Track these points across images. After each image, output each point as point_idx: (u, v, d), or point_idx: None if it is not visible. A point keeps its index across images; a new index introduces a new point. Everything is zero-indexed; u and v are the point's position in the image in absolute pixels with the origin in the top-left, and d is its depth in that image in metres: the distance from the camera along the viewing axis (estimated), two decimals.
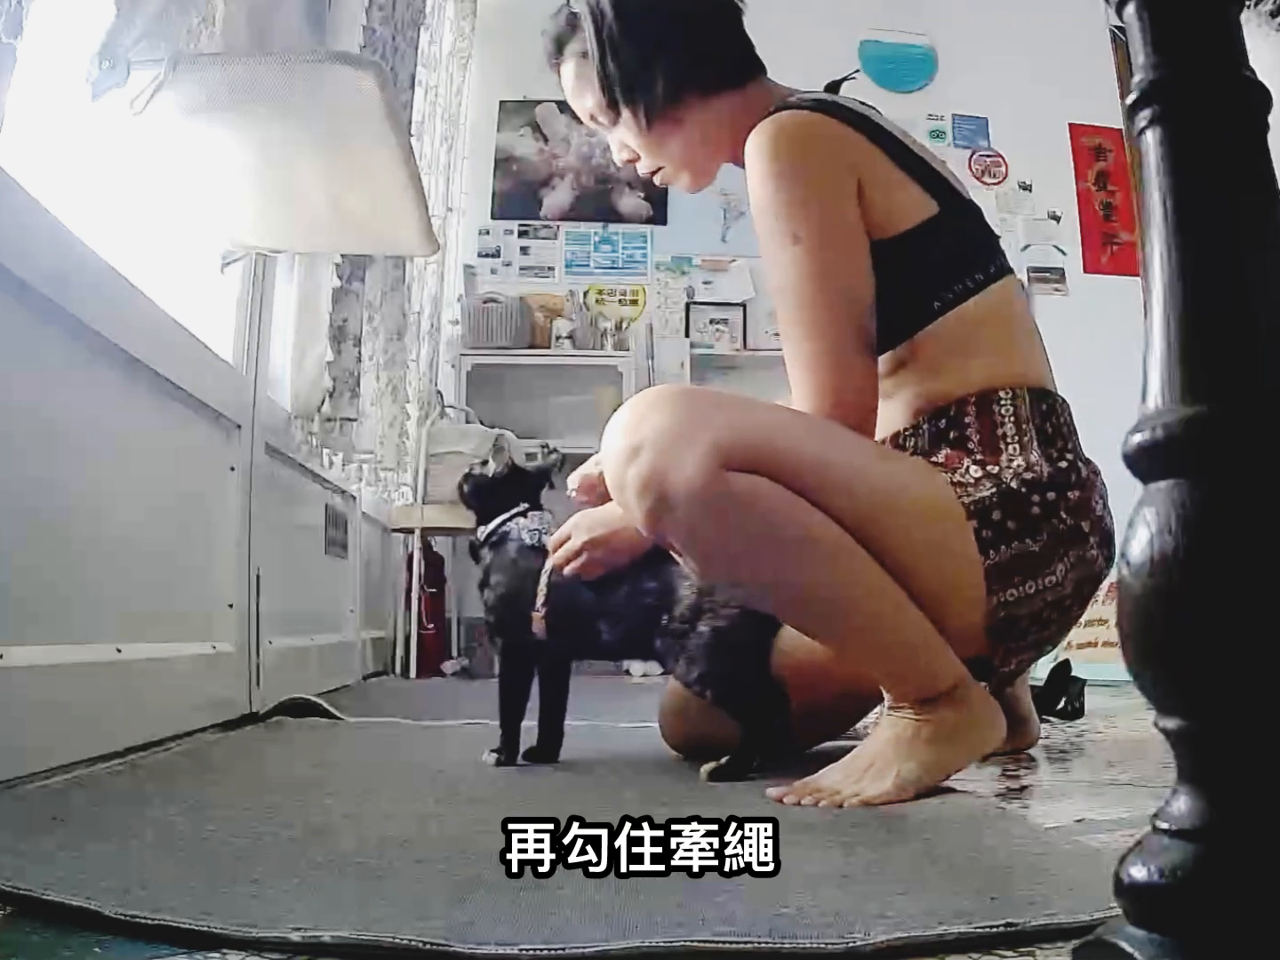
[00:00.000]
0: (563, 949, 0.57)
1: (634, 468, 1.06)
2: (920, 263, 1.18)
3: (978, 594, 1.12)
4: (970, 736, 1.10)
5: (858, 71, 1.48)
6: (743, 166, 1.21)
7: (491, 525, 1.39)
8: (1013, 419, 1.17)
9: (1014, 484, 1.13)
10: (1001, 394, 1.17)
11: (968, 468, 1.14)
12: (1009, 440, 1.16)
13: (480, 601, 1.41)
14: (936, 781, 1.08)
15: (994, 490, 1.12)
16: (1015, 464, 1.14)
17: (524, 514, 1.39)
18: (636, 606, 1.27)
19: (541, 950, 0.57)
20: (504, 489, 1.42)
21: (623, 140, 1.33)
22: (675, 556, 1.17)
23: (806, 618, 1.16)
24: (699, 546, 1.10)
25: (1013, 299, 1.25)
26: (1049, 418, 1.19)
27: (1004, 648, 1.16)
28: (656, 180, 1.36)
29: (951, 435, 1.17)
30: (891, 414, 1.22)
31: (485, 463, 1.46)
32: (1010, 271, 1.25)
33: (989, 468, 1.14)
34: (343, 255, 2.22)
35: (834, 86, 1.31)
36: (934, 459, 1.17)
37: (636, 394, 1.17)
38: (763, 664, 1.25)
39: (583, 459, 1.47)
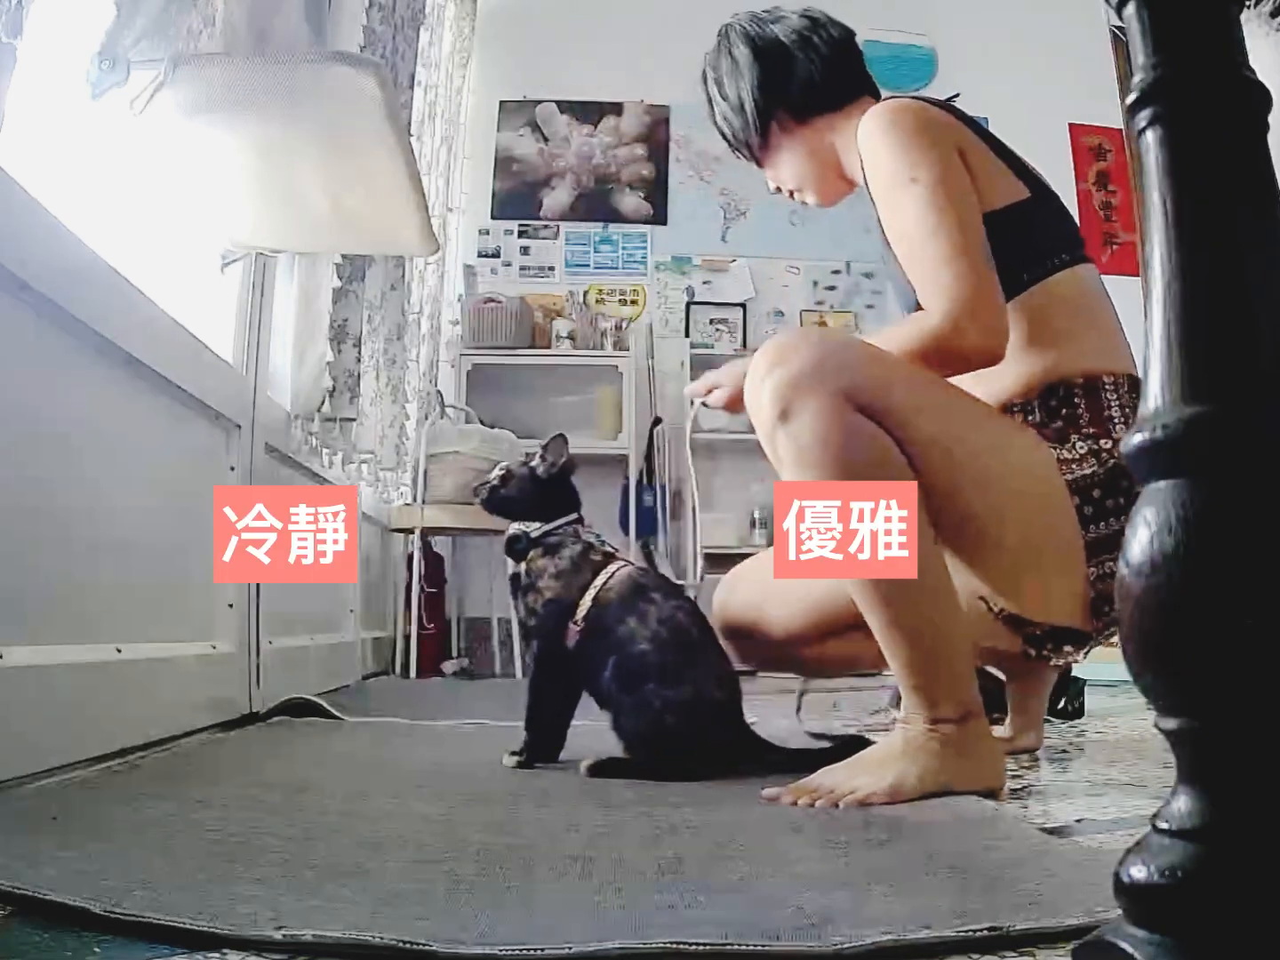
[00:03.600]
0: (543, 950, 0.57)
1: (777, 373, 1.14)
2: (1013, 237, 1.24)
3: (1076, 560, 1.18)
4: (971, 765, 1.12)
5: (957, 95, 1.59)
6: (849, 179, 1.43)
7: (549, 526, 1.38)
8: (1118, 404, 1.24)
9: (1118, 465, 1.17)
10: (1107, 380, 1.24)
11: (1074, 443, 1.21)
12: (1115, 424, 1.22)
13: (512, 598, 1.40)
14: (929, 792, 1.08)
15: (1097, 468, 1.19)
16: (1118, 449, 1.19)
17: (580, 521, 1.39)
18: (638, 665, 1.27)
19: (521, 951, 0.57)
20: (550, 489, 1.41)
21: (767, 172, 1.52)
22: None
23: (862, 586, 1.15)
24: (801, 461, 1.14)
25: (1098, 283, 1.34)
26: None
27: (1102, 621, 1.21)
28: (796, 199, 1.53)
29: (1064, 412, 1.24)
30: (997, 382, 1.27)
31: (532, 458, 1.44)
32: (1091, 261, 1.34)
33: (1095, 444, 1.20)
34: (343, 255, 2.22)
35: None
36: (1043, 433, 1.24)
37: (789, 329, 1.27)
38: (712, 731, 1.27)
39: (581, 459, 1.47)
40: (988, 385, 1.26)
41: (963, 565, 1.22)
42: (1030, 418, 1.26)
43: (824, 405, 1.12)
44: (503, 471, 1.45)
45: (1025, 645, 1.28)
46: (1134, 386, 1.25)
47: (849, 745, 1.27)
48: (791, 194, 1.51)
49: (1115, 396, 1.24)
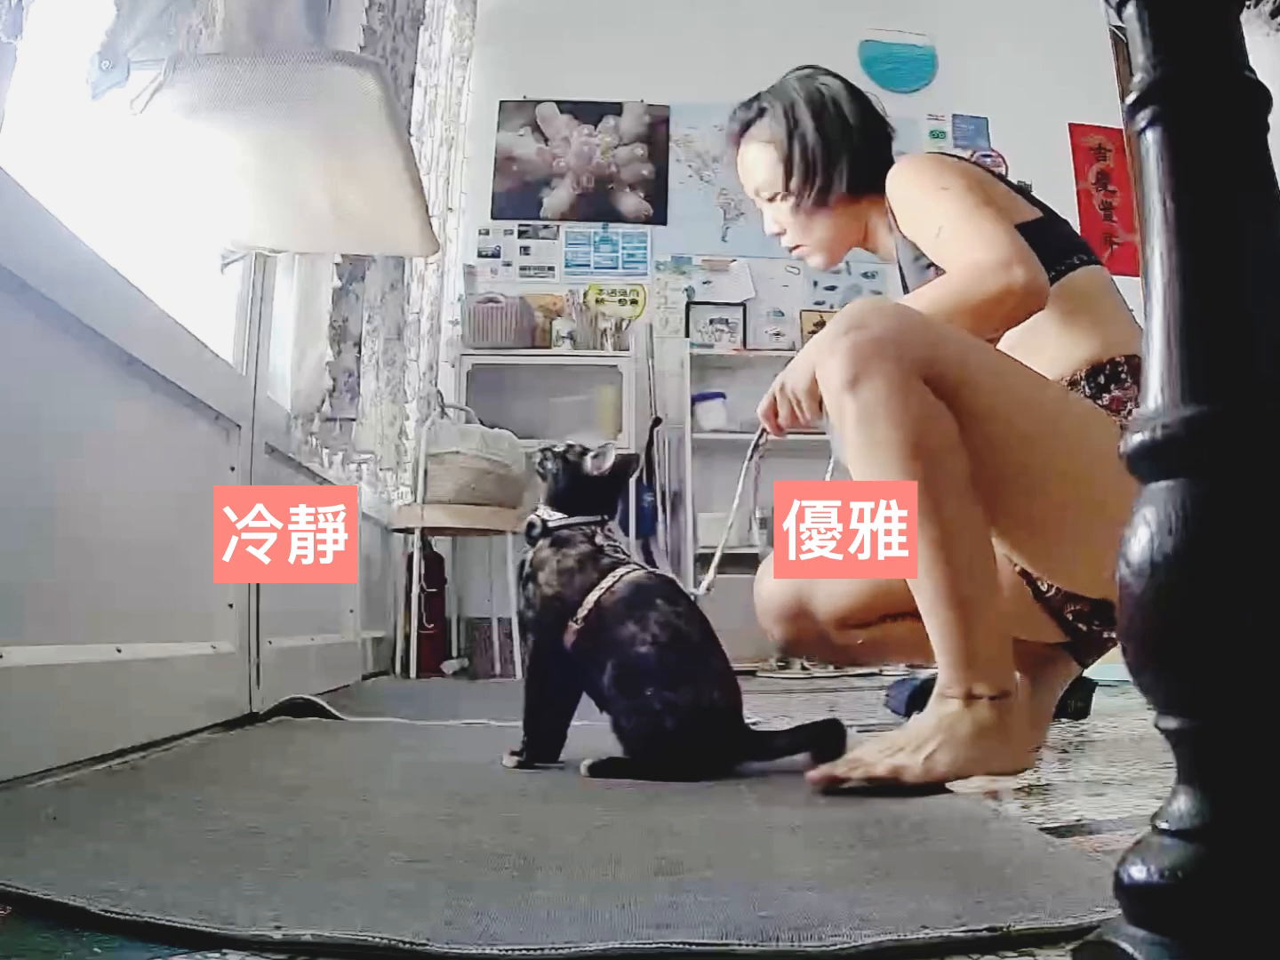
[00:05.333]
0: (541, 950, 0.57)
1: (853, 336, 1.16)
2: (1035, 244, 1.27)
3: None
4: (1003, 747, 1.15)
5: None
6: (869, 250, 1.55)
7: (568, 520, 1.37)
8: None
9: None
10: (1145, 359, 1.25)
11: (1130, 410, 1.23)
12: None
13: (519, 589, 1.39)
14: (961, 775, 1.12)
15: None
16: None
17: (601, 524, 1.39)
18: (638, 668, 1.27)
19: (520, 951, 0.57)
20: (587, 487, 1.40)
21: (776, 217, 1.56)
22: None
23: (931, 552, 1.16)
24: (862, 426, 1.15)
25: (1114, 286, 1.40)
26: None
27: None
28: (795, 254, 1.60)
29: (1112, 389, 1.28)
30: (1039, 365, 1.29)
31: (585, 451, 1.42)
32: (1102, 265, 1.40)
33: None
34: (343, 255, 2.22)
35: None
36: (1099, 403, 1.27)
37: (869, 299, 1.32)
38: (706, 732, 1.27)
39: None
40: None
41: (1013, 546, 1.27)
42: (1080, 392, 1.29)
43: (895, 376, 1.13)
44: (563, 449, 1.43)
45: (1074, 622, 1.30)
46: None
47: (829, 726, 1.33)
48: (794, 248, 1.57)
49: None
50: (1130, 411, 1.24)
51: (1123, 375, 1.29)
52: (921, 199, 1.35)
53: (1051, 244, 1.32)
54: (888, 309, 1.22)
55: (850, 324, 1.17)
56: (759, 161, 1.53)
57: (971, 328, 1.24)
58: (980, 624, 1.16)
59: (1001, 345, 1.33)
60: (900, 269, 1.48)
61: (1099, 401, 1.28)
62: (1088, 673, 1.92)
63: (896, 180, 1.38)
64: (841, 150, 1.48)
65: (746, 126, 1.54)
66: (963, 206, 1.28)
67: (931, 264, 1.36)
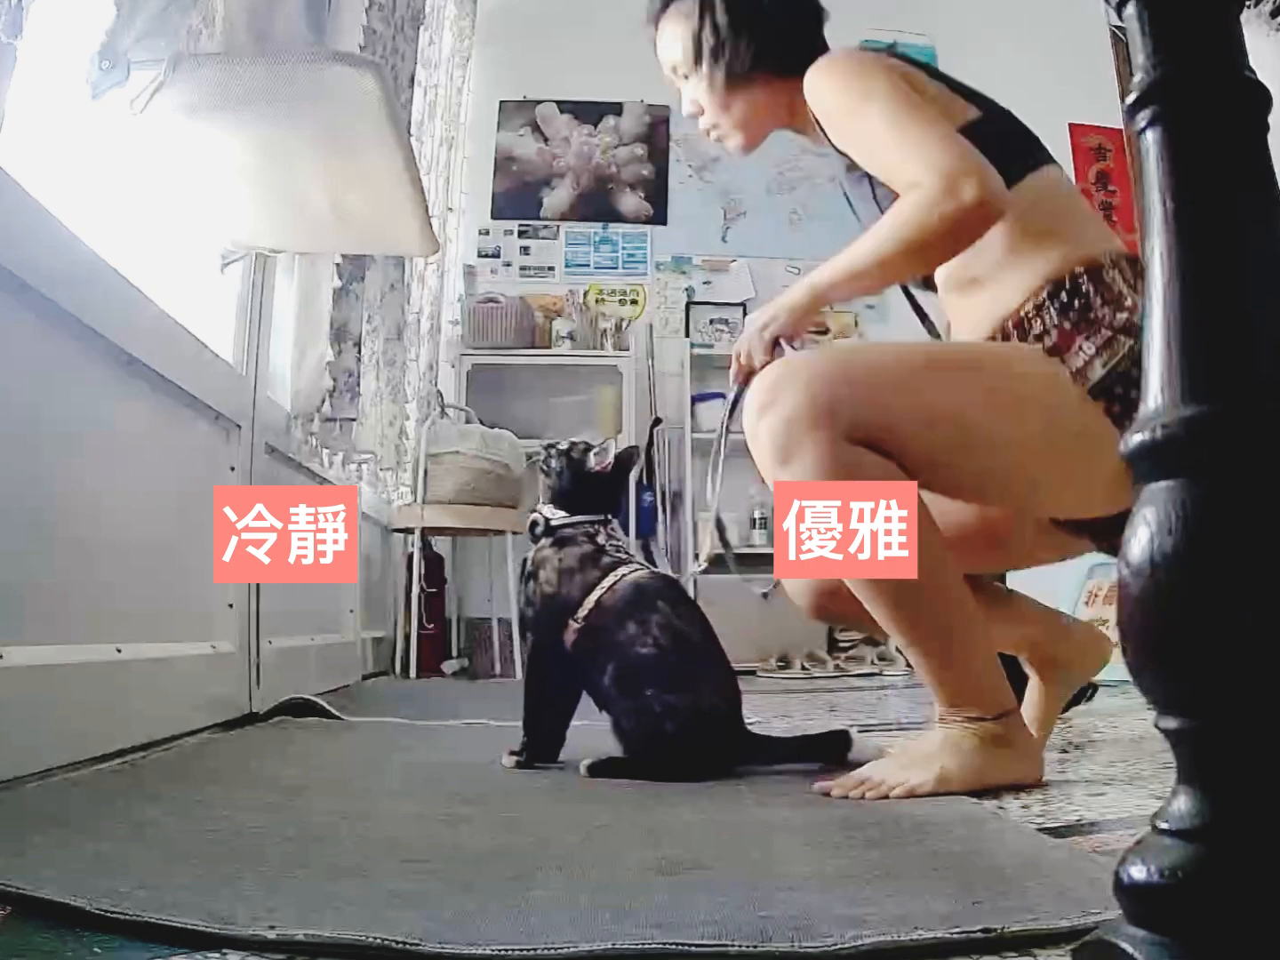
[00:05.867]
0: (537, 950, 0.57)
1: (769, 417, 1.15)
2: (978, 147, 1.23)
3: (1109, 455, 1.17)
4: (1011, 758, 1.17)
5: (894, 45, 1.61)
6: (798, 132, 1.45)
7: (571, 519, 1.37)
8: (1123, 280, 1.21)
9: (1130, 349, 1.15)
10: (1105, 260, 1.22)
11: (1079, 347, 1.17)
12: (1125, 299, 1.19)
13: (520, 587, 1.39)
14: (972, 786, 1.12)
15: (1109, 369, 1.15)
16: (1135, 318, 1.18)
17: (604, 523, 1.39)
18: (638, 670, 1.27)
19: (511, 950, 0.57)
20: (594, 487, 1.40)
21: (693, 96, 1.48)
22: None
23: (880, 604, 1.17)
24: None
25: (1069, 182, 1.35)
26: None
27: None
28: (711, 136, 1.52)
29: (1076, 304, 1.20)
30: (1002, 294, 1.25)
31: (589, 449, 1.42)
32: (1057, 163, 1.33)
33: (1107, 336, 1.17)
34: (343, 255, 2.22)
35: None
36: (1046, 346, 1.20)
37: (780, 362, 1.24)
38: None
39: None
40: (994, 303, 1.25)
41: (1004, 509, 1.31)
42: (1046, 320, 1.22)
43: (820, 448, 1.12)
44: (566, 446, 1.43)
45: (1096, 531, 1.30)
46: (1131, 262, 1.24)
47: (835, 737, 1.33)
48: (709, 130, 1.50)
49: (1117, 273, 1.21)
50: (1080, 346, 1.18)
51: (1082, 286, 1.21)
52: (845, 116, 1.27)
53: (993, 151, 1.22)
54: (799, 373, 1.17)
55: (764, 404, 1.16)
56: (675, 38, 1.47)
57: (933, 263, 1.23)
58: (961, 652, 1.17)
59: (953, 277, 1.30)
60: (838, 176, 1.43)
61: (1067, 322, 1.20)
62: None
63: (816, 88, 1.30)
64: (753, 25, 1.40)
65: (666, 5, 1.49)
66: (893, 118, 1.20)
67: (866, 174, 1.31)
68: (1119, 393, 1.15)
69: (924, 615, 1.16)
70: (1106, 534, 1.29)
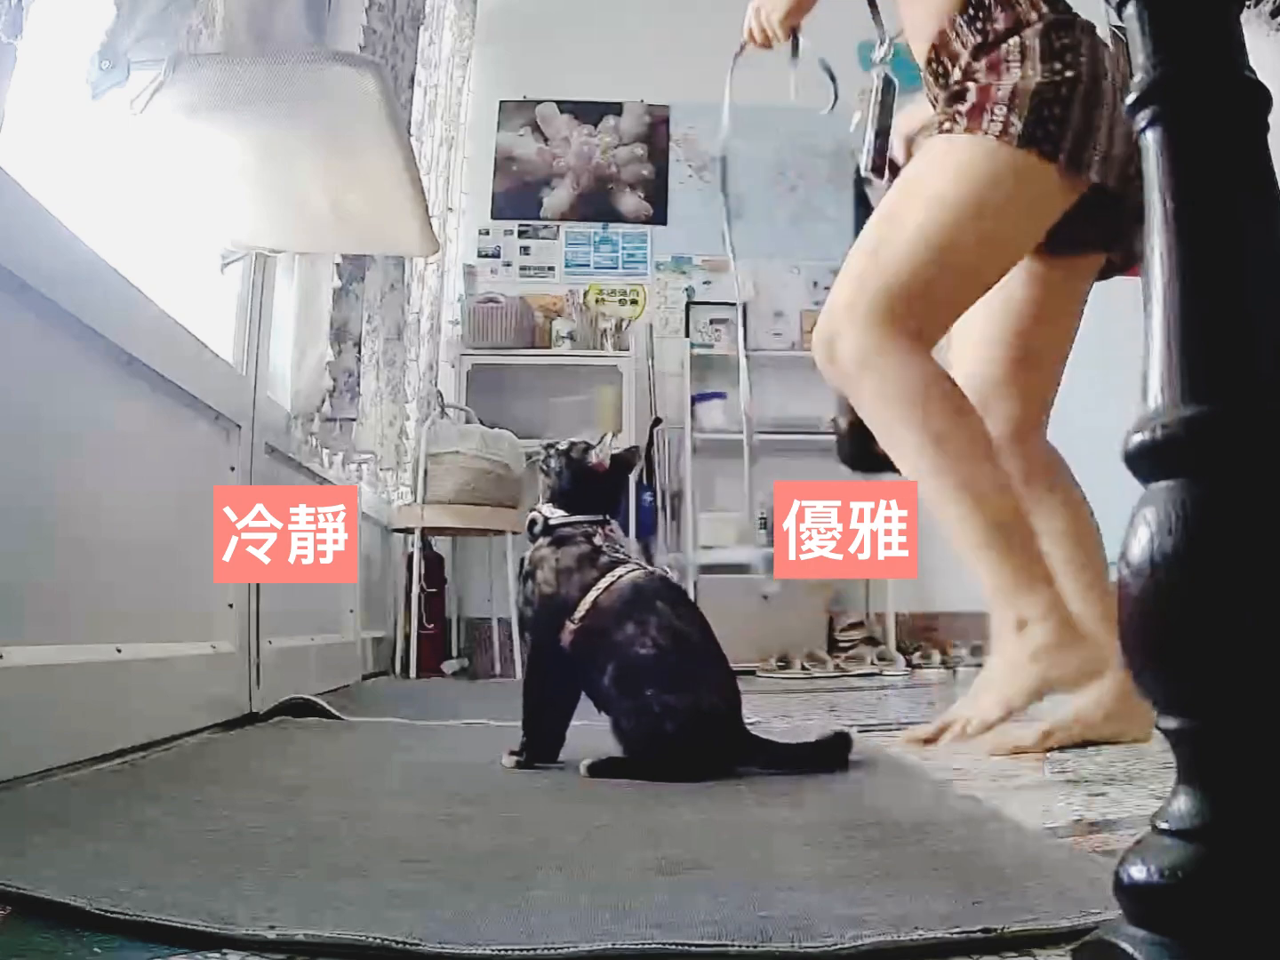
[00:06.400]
0: (533, 950, 0.57)
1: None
2: None
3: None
4: (1070, 659, 1.20)
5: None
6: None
7: (569, 518, 1.37)
8: None
9: (1044, 66, 1.27)
10: None
11: (992, 112, 1.26)
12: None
13: (519, 586, 1.39)
14: (1036, 697, 1.19)
15: (1023, 109, 1.25)
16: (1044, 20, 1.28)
17: (603, 523, 1.38)
18: (637, 670, 1.26)
19: (511, 950, 0.57)
20: (594, 487, 1.40)
21: None
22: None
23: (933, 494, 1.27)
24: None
25: None
26: None
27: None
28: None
29: (979, 27, 1.31)
30: (923, 20, 1.38)
31: (589, 448, 1.41)
32: None
33: (1013, 72, 1.27)
34: (343, 255, 2.22)
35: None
36: (956, 125, 1.30)
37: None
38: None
39: None
40: (914, 29, 1.39)
41: None
42: (964, 41, 1.32)
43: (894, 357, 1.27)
44: (566, 446, 1.42)
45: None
46: None
47: (836, 741, 1.32)
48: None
49: None
50: (992, 112, 1.26)
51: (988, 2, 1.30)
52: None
53: None
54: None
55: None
56: None
57: None
58: (1002, 542, 1.22)
59: None
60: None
61: (975, 74, 1.30)
62: None
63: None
64: None
65: None
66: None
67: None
68: (1046, 113, 1.25)
69: (991, 504, 1.23)
70: (1112, 230, 1.37)
